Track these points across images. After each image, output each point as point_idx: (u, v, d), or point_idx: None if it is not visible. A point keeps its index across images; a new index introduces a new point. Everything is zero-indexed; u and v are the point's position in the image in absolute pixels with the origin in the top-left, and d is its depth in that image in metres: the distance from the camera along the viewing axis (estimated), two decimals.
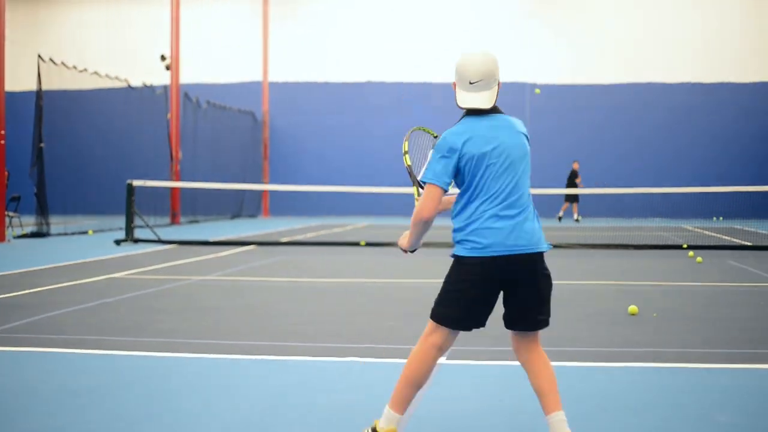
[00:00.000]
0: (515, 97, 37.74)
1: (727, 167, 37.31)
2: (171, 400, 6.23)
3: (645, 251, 19.87)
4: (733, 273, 15.13)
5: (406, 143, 5.52)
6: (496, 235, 4.86)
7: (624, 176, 37.02)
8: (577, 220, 34.28)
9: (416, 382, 5.10)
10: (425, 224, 5.08)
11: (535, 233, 4.95)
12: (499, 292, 5.05)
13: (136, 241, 21.29)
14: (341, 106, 39.76)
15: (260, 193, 39.14)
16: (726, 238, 24.02)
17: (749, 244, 21.41)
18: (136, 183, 22.21)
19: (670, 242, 22.27)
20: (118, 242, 20.87)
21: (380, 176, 37.25)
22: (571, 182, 33.34)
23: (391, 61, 39.26)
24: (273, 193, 39.59)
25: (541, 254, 4.99)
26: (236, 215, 36.68)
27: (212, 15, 40.27)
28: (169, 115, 31.15)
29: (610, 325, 9.36)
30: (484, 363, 7.57)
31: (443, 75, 38.51)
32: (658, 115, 37.98)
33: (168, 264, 16.32)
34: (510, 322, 5.10)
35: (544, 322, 5.06)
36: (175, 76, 31.47)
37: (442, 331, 5.04)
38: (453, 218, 5.06)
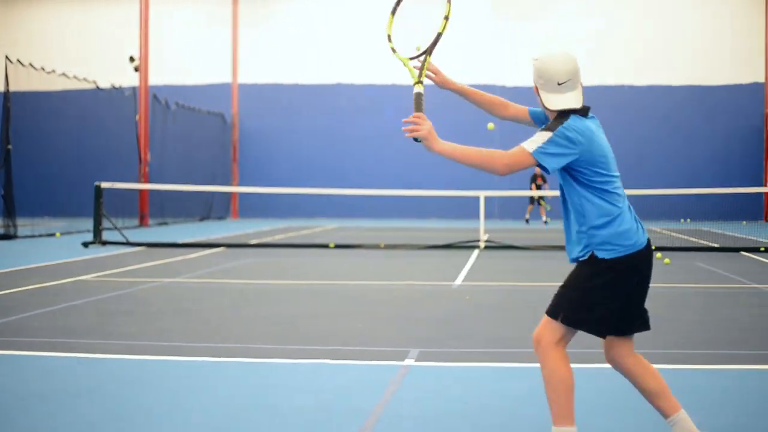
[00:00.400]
0: None
1: (695, 169, 37.58)
2: (139, 402, 6.20)
3: None
4: (702, 274, 15.23)
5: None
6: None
7: None
8: (545, 222, 34.42)
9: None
10: (487, 170, 4.94)
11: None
12: None
13: (105, 243, 21.18)
14: (311, 108, 39.71)
15: (229, 195, 39.08)
16: (694, 239, 24.18)
17: (717, 245, 21.56)
18: (105, 185, 22.09)
19: None
20: (86, 244, 20.75)
21: (349, 178, 37.30)
22: (536, 184, 33.46)
23: (361, 62, 39.26)
24: (242, 195, 39.52)
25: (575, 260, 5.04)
26: (205, 217, 36.57)
27: (181, 16, 40.12)
28: (137, 117, 31.03)
29: None
30: (450, 365, 7.58)
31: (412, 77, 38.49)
32: (625, 118, 38.16)
33: (136, 266, 16.24)
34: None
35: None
36: (144, 77, 31.34)
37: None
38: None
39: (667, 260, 17.37)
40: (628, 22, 38.40)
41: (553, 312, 4.93)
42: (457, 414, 5.97)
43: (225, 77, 40.05)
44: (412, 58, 5.72)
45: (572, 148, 4.77)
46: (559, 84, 4.95)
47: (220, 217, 38.40)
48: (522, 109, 5.54)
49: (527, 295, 12.12)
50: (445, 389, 6.64)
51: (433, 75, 5.69)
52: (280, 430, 5.58)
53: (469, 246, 20.92)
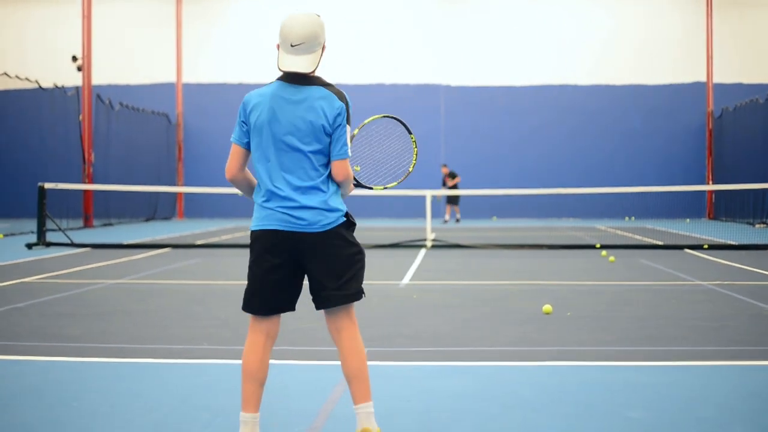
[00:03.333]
0: (429, 98, 38.05)
1: (638, 167, 37.97)
2: (82, 405, 6.14)
3: (558, 251, 20.13)
4: (645, 272, 15.38)
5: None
6: None
7: (538, 177, 37.44)
8: (458, 221, 34.64)
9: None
10: (232, 183, 5.20)
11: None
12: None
13: (49, 244, 20.96)
14: None
15: (175, 195, 38.84)
16: (638, 237, 24.42)
17: (660, 243, 21.79)
18: (48, 185, 21.84)
19: (582, 242, 22.58)
20: (29, 246, 20.51)
21: None
22: (452, 185, 33.67)
23: None
24: (188, 195, 39.30)
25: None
26: (150, 217, 36.32)
27: (124, 15, 39.76)
28: (80, 117, 30.72)
29: (523, 324, 9.44)
30: (397, 364, 7.60)
31: (356, 76, 38.60)
32: (570, 116, 38.45)
33: (81, 268, 16.09)
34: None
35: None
36: (87, 77, 31.04)
37: None
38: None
39: (612, 258, 17.54)
40: (569, 21, 38.68)
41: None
42: (404, 412, 5.99)
43: (169, 77, 39.79)
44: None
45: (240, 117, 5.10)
46: (292, 46, 4.94)
47: (166, 218, 38.14)
48: None
49: (474, 293, 12.17)
50: (392, 388, 6.66)
51: None
52: (223, 431, 5.56)
53: (416, 245, 20.98)
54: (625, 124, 38.55)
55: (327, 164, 5.04)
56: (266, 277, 5.07)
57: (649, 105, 38.42)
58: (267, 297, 5.09)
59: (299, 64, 4.91)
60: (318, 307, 5.18)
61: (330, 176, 5.05)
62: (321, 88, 4.98)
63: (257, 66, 39.51)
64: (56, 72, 35.46)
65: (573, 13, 38.74)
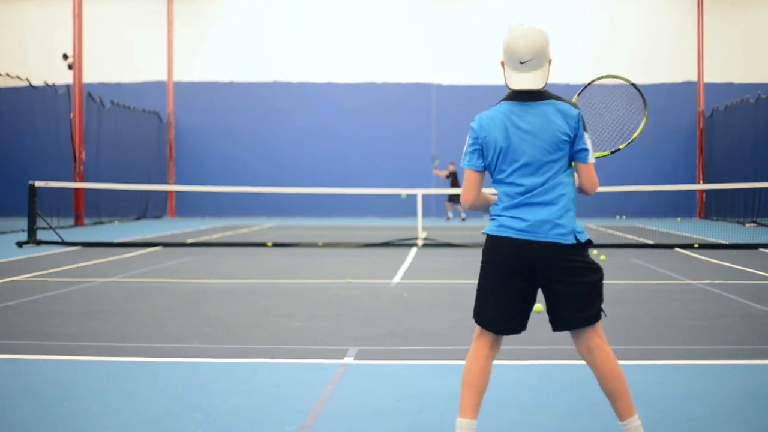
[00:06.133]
0: (420, 97, 38.07)
1: (630, 167, 37.99)
2: (74, 405, 6.13)
3: None
4: (636, 271, 15.41)
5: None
6: None
7: None
8: (463, 219, 34.70)
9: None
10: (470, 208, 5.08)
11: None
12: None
13: (39, 243, 20.91)
14: (247, 106, 39.53)
15: (166, 194, 38.80)
16: (629, 236, 24.46)
17: (651, 242, 21.82)
18: (39, 184, 21.79)
19: None
20: (20, 244, 20.47)
21: (287, 177, 37.23)
22: (454, 182, 33.75)
23: (297, 61, 39.15)
24: (179, 193, 39.26)
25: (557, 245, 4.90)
26: (141, 216, 36.28)
27: (116, 13, 39.69)
28: (71, 115, 30.65)
29: None
30: (388, 362, 7.60)
31: (348, 75, 38.61)
32: None
33: (72, 266, 16.06)
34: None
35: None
36: (78, 75, 30.98)
37: None
38: None
39: (603, 257, 17.56)
40: (561, 21, 38.71)
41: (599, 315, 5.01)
42: (396, 411, 5.99)
43: (160, 75, 39.73)
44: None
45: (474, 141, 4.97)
46: (521, 63, 4.86)
47: (157, 216, 38.09)
48: None
49: (464, 292, 12.17)
50: (383, 387, 6.66)
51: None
52: (216, 430, 5.56)
53: (407, 244, 20.98)
54: None
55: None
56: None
57: None
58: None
59: (527, 81, 4.87)
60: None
61: None
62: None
63: (248, 65, 39.49)
64: (47, 70, 35.37)
65: (565, 13, 38.77)
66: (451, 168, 34.34)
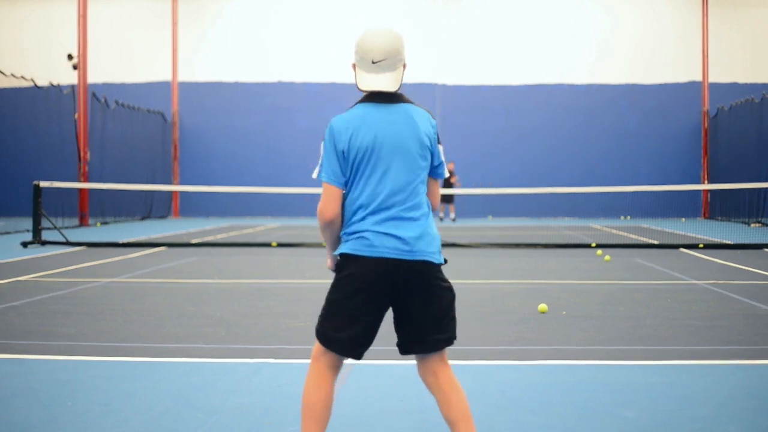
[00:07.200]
0: (425, 97, 38.02)
1: (634, 167, 38.02)
2: (77, 404, 6.13)
3: (553, 250, 20.13)
4: (641, 271, 15.38)
5: None
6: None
7: (534, 176, 37.46)
8: (453, 220, 34.71)
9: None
10: (328, 226, 4.49)
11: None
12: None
13: (44, 243, 20.93)
14: (251, 107, 39.57)
15: (170, 194, 38.83)
16: (633, 236, 24.43)
17: (656, 242, 21.80)
18: (43, 184, 21.82)
19: (578, 241, 22.58)
20: (25, 244, 20.49)
21: (291, 177, 37.22)
22: (447, 183, 33.68)
23: (301, 61, 39.17)
24: (183, 193, 39.30)
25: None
26: (146, 216, 36.30)
27: (120, 13, 39.75)
28: (76, 115, 30.69)
29: (518, 324, 9.44)
30: (392, 362, 7.59)
31: (351, 75, 38.52)
32: (566, 116, 38.47)
33: (76, 266, 16.07)
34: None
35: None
36: (83, 75, 31.01)
37: None
38: None
39: (607, 257, 17.54)
40: (564, 21, 38.69)
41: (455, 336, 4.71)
42: (399, 411, 5.99)
43: (165, 75, 39.76)
44: None
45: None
46: (373, 63, 4.42)
47: (161, 216, 38.13)
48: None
49: (468, 292, 12.15)
50: (387, 387, 6.65)
51: None
52: (217, 430, 5.56)
53: None
54: (620, 124, 38.58)
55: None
56: None
57: (645, 104, 38.46)
58: None
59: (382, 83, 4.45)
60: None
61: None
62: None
63: (252, 65, 39.51)
64: (52, 70, 35.44)
65: (569, 13, 38.75)
66: (450, 167, 34.28)
